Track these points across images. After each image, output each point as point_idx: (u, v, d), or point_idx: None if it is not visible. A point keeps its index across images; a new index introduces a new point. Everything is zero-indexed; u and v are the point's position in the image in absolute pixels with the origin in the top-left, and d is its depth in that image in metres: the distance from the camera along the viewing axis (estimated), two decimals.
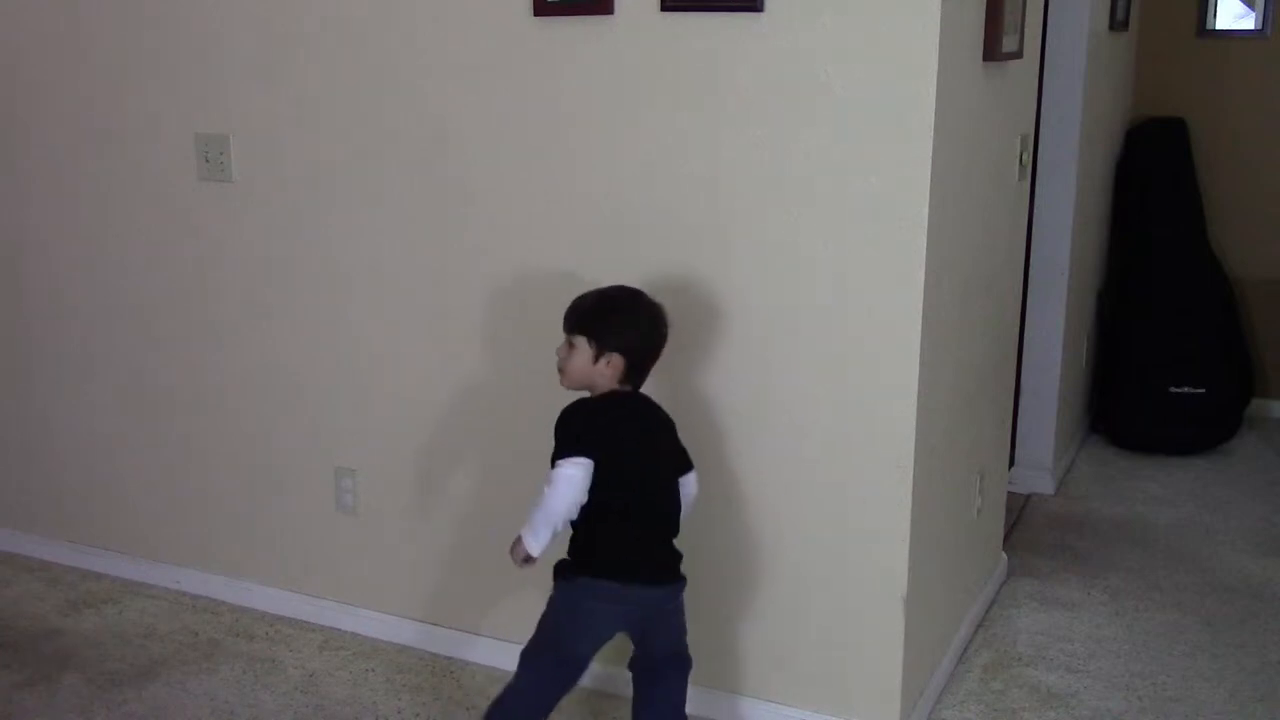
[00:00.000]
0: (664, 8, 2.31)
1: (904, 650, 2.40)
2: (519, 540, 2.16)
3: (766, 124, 2.29)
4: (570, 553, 2.20)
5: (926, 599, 2.52)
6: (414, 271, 2.72)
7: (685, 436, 2.49)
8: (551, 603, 2.22)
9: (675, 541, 2.25)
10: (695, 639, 2.59)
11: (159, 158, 2.98)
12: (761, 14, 2.24)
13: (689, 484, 2.29)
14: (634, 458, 2.17)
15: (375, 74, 2.66)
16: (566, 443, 2.12)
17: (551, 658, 2.21)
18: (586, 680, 2.66)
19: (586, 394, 2.19)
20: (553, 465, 2.11)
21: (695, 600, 2.57)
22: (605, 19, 2.37)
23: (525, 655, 2.24)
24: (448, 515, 2.82)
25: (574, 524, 2.17)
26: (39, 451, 3.40)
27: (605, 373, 2.15)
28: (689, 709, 2.62)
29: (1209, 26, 4.52)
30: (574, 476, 2.09)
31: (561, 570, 2.19)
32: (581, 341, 2.16)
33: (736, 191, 2.34)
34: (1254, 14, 4.48)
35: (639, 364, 2.18)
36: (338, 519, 2.97)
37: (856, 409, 2.33)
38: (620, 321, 2.15)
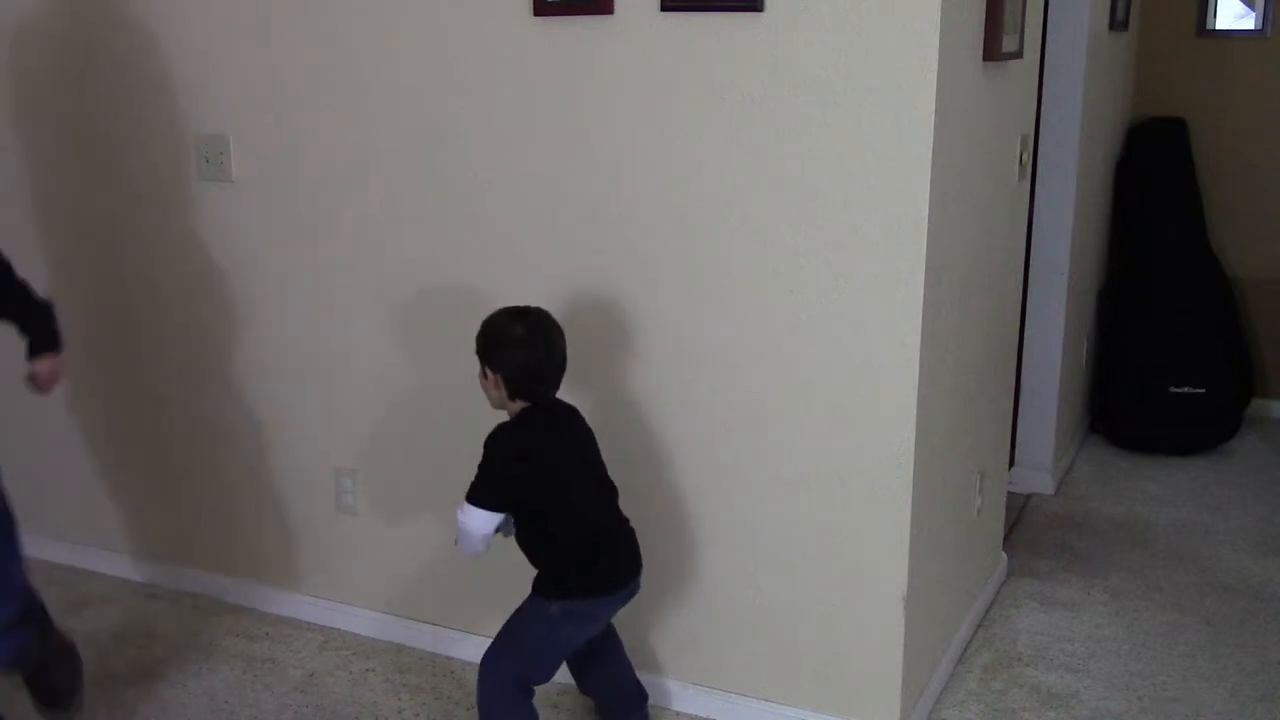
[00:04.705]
0: (664, 8, 2.31)
1: (904, 650, 2.40)
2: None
3: (766, 124, 2.29)
4: (545, 575, 2.27)
5: (926, 599, 2.52)
6: (414, 271, 2.72)
7: (686, 435, 2.49)
8: (531, 613, 2.27)
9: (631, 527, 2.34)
10: (696, 639, 2.60)
11: (159, 158, 2.98)
12: (761, 14, 2.24)
13: None
14: (560, 486, 2.22)
15: (375, 74, 2.65)
16: (482, 484, 2.20)
17: (530, 659, 2.28)
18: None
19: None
20: (469, 494, 2.20)
21: (697, 600, 2.58)
22: (605, 19, 2.37)
23: (491, 660, 2.29)
24: (448, 515, 2.81)
25: (530, 550, 2.27)
26: (39, 451, 3.40)
27: (496, 393, 2.23)
28: (687, 707, 2.63)
29: (1209, 26, 4.52)
30: (473, 530, 2.20)
31: (541, 588, 2.27)
32: (479, 364, 2.23)
33: (736, 191, 2.34)
34: (1254, 14, 4.48)
35: (526, 382, 2.21)
36: (338, 519, 2.97)
37: (856, 409, 2.33)
38: (497, 343, 2.20)
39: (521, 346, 2.19)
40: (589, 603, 2.26)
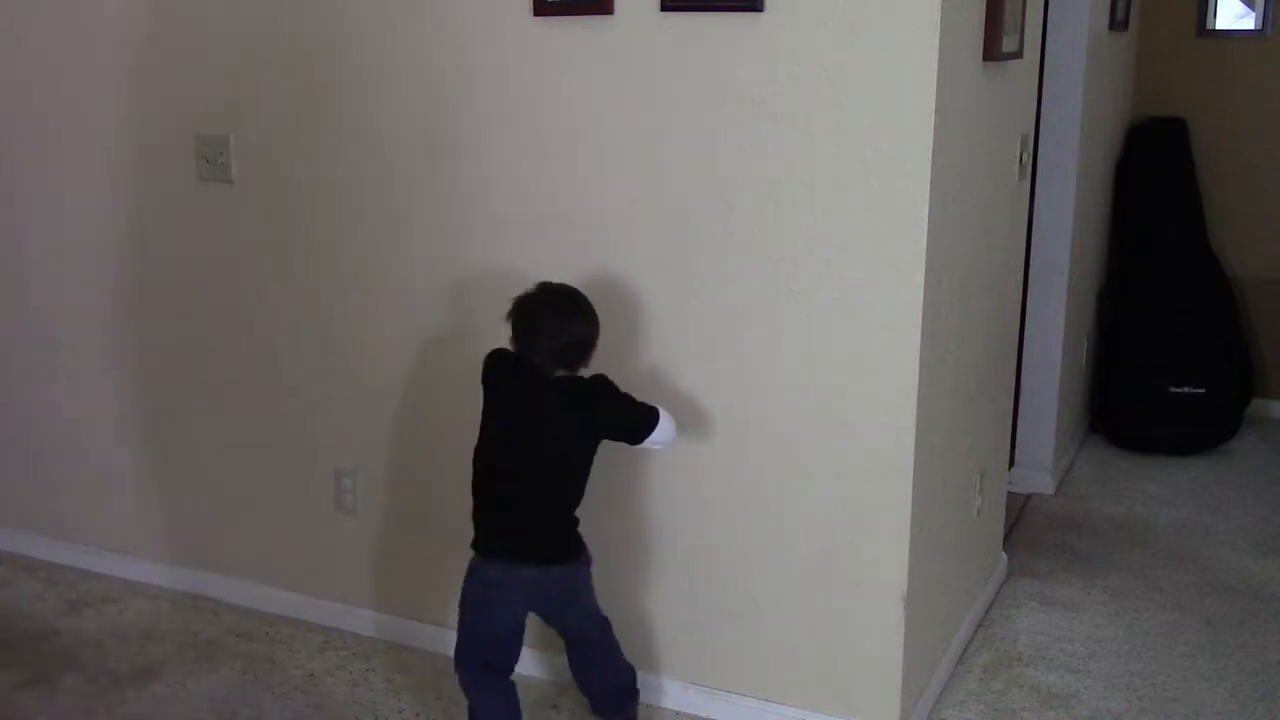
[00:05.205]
0: (664, 8, 2.31)
1: (904, 650, 2.40)
2: None
3: (767, 124, 2.29)
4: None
5: (926, 599, 2.52)
6: (414, 271, 2.72)
7: (685, 434, 2.49)
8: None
9: (577, 526, 2.34)
10: (695, 639, 2.60)
11: (159, 158, 2.98)
12: (761, 14, 2.24)
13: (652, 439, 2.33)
14: (485, 418, 2.30)
15: (375, 74, 2.65)
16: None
17: (473, 644, 2.33)
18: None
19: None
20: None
21: (696, 600, 2.58)
22: (605, 19, 2.37)
23: (457, 657, 2.35)
24: (447, 515, 2.82)
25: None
26: (39, 451, 3.40)
27: None
28: (686, 707, 2.63)
29: (1209, 26, 4.52)
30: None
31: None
32: None
33: (736, 191, 2.34)
34: (1254, 14, 4.48)
35: (524, 350, 2.27)
36: (338, 519, 2.97)
37: (856, 409, 2.33)
38: (515, 314, 2.29)
39: (518, 320, 2.27)
40: (476, 558, 2.31)
